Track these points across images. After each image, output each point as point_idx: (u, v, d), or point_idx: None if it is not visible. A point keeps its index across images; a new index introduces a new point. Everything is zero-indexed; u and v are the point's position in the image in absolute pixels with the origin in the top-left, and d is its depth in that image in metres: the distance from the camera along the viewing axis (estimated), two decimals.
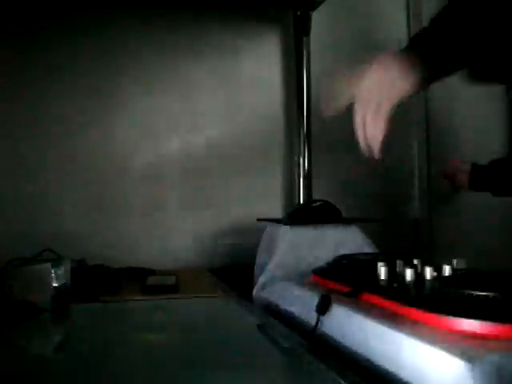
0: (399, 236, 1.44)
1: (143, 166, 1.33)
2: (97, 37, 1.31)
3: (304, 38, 1.39)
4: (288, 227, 1.05)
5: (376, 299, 0.65)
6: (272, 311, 0.86)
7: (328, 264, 0.86)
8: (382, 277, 0.71)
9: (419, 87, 0.69)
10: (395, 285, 0.68)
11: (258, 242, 1.17)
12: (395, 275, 0.72)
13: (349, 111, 0.77)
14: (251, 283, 1.06)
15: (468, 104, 1.55)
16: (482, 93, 1.56)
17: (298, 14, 1.39)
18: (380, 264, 0.73)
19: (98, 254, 1.17)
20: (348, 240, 1.04)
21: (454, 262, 0.74)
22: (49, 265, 0.82)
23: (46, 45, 1.28)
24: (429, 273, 0.70)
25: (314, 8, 1.38)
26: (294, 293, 0.83)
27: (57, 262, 0.86)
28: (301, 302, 0.78)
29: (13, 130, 1.26)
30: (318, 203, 1.15)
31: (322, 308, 0.67)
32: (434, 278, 0.69)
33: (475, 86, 0.82)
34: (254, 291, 1.00)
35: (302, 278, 0.87)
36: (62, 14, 1.29)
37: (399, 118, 1.55)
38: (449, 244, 1.46)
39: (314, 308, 0.68)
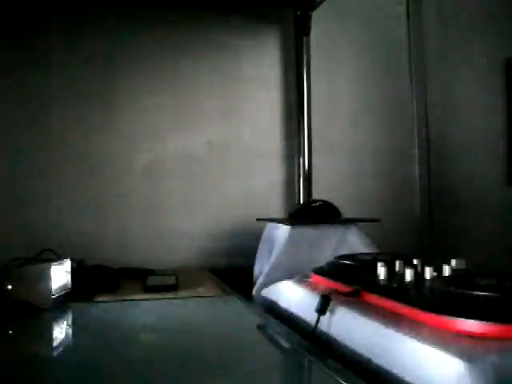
0: (399, 236, 1.44)
1: (143, 166, 1.33)
2: (97, 37, 1.31)
3: (304, 38, 1.39)
4: (288, 227, 1.05)
5: (376, 299, 0.65)
6: (272, 311, 0.86)
7: (328, 264, 0.86)
8: (382, 277, 0.71)
9: None
10: (395, 285, 0.68)
11: (258, 242, 1.17)
12: (395, 275, 0.72)
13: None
14: (251, 283, 1.06)
15: (468, 102, 1.55)
16: (482, 92, 1.56)
17: (298, 14, 1.39)
18: (380, 264, 0.73)
19: (98, 254, 1.17)
20: (348, 240, 1.04)
21: (454, 262, 0.74)
22: (49, 265, 0.82)
23: (47, 46, 1.28)
24: (429, 273, 0.70)
25: (313, 8, 1.38)
26: (294, 293, 0.83)
27: (57, 262, 0.86)
28: (301, 302, 0.78)
29: (13, 130, 1.26)
30: (318, 203, 1.15)
31: (322, 308, 0.67)
32: (433, 278, 0.69)
33: None
34: (254, 291, 1.00)
35: (302, 278, 0.87)
36: (61, 14, 1.29)
37: (399, 118, 1.56)
38: (449, 244, 1.46)
39: (314, 308, 0.68)
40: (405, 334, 0.53)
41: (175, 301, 0.90)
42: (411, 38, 1.51)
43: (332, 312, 0.67)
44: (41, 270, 0.82)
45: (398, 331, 0.54)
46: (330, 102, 1.45)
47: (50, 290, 0.81)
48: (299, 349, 0.62)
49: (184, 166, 1.35)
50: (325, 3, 1.35)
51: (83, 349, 0.65)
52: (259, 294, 0.97)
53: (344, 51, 1.47)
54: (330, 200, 1.15)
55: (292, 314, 0.79)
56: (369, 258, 0.85)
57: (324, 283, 0.79)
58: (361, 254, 0.92)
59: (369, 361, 0.56)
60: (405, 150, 1.50)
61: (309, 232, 1.04)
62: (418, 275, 0.70)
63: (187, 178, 1.36)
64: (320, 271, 0.84)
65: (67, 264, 0.89)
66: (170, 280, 1.00)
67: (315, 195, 1.36)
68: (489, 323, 0.49)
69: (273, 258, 1.03)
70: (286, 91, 1.43)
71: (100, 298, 0.90)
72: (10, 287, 0.80)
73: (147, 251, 1.30)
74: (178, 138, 1.36)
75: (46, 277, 0.81)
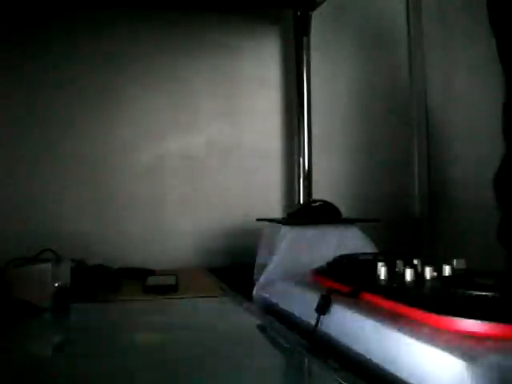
0: (399, 236, 1.44)
1: (143, 165, 1.33)
2: (96, 37, 1.31)
3: (304, 38, 1.39)
4: (288, 227, 1.05)
5: (376, 299, 0.65)
6: (272, 311, 0.86)
7: (328, 264, 0.86)
8: (382, 277, 0.71)
9: None
10: (395, 285, 0.68)
11: (258, 242, 1.17)
12: (395, 275, 0.72)
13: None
14: (251, 283, 1.06)
15: (468, 102, 1.55)
16: (482, 92, 1.56)
17: (298, 14, 1.39)
18: (380, 264, 0.73)
19: (98, 254, 1.17)
20: (348, 240, 1.04)
21: (454, 262, 0.74)
22: (49, 265, 0.82)
23: (45, 45, 1.28)
24: (429, 273, 0.70)
25: (313, 8, 1.38)
26: (294, 293, 0.83)
27: (57, 262, 0.86)
28: (301, 302, 0.78)
29: (12, 130, 1.26)
30: (318, 203, 1.15)
31: (322, 308, 0.67)
32: (433, 278, 0.69)
33: None
34: (254, 291, 1.00)
35: (302, 278, 0.87)
36: (61, 14, 1.30)
37: (399, 118, 1.56)
38: (449, 244, 1.46)
39: (314, 308, 0.68)
40: (405, 333, 0.53)
41: (175, 301, 0.90)
42: (411, 37, 1.51)
43: (332, 312, 0.67)
44: (41, 270, 0.82)
45: (397, 331, 0.54)
46: (330, 102, 1.45)
47: (49, 290, 0.81)
48: (299, 349, 0.62)
49: (184, 166, 1.36)
50: (325, 3, 1.35)
51: (83, 349, 0.65)
52: (259, 293, 0.97)
53: (344, 51, 1.47)
54: (329, 200, 1.15)
55: (292, 314, 0.79)
56: (369, 257, 0.85)
57: (324, 283, 0.79)
58: (361, 253, 0.92)
59: (368, 361, 0.56)
60: (404, 150, 1.50)
61: (309, 232, 1.04)
62: (418, 275, 0.70)
63: (187, 177, 1.36)
64: (320, 271, 0.84)
65: (67, 264, 0.89)
66: (170, 280, 1.00)
67: (315, 195, 1.36)
68: (489, 323, 0.49)
69: (273, 258, 1.03)
70: (286, 91, 1.43)
71: (100, 298, 0.90)
72: (10, 287, 0.80)
73: (147, 251, 1.30)
74: (178, 137, 1.36)
75: (46, 277, 0.81)
